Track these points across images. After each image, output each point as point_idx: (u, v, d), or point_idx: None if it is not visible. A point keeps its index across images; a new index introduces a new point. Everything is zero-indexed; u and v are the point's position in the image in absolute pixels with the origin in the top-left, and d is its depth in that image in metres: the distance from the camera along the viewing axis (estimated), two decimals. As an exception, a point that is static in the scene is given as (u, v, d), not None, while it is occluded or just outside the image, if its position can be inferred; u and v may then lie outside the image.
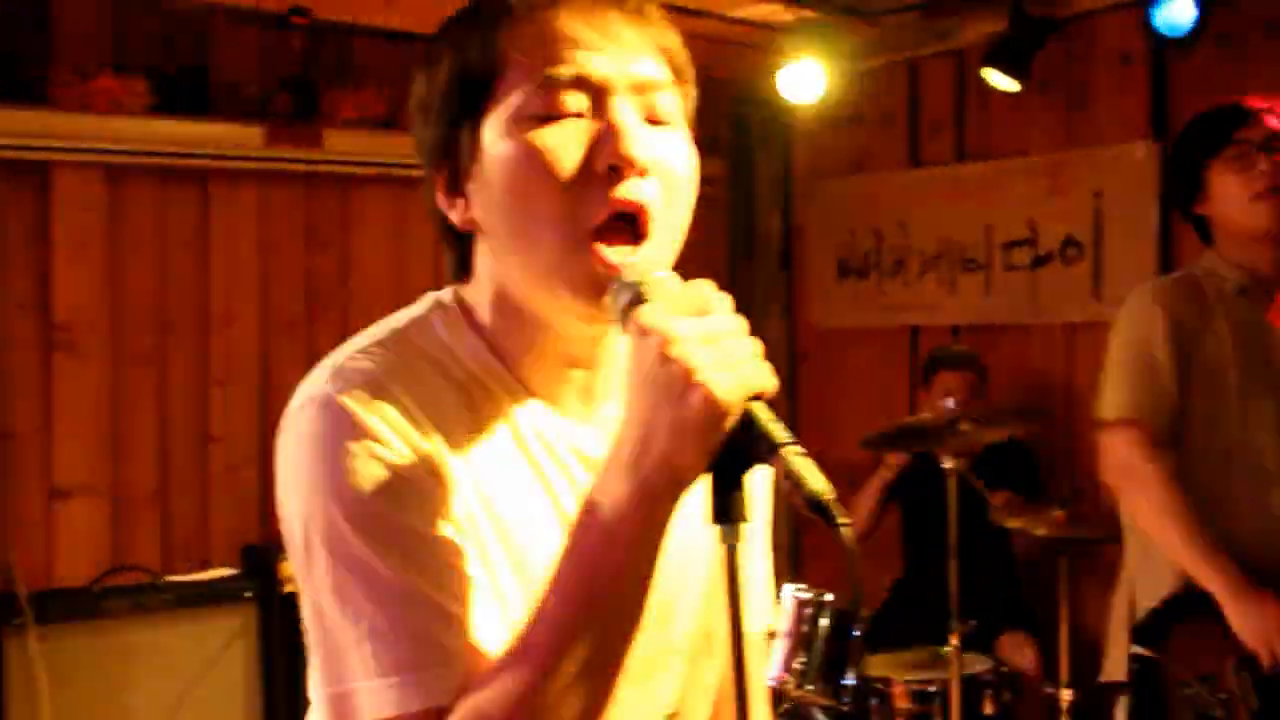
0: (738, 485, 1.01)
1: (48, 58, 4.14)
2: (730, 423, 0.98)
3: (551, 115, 1.12)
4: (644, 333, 1.01)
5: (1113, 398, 2.93)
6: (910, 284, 5.11)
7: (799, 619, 3.78)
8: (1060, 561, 3.77)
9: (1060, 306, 4.65)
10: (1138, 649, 2.91)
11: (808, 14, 4.71)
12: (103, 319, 4.24)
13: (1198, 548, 2.78)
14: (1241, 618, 2.74)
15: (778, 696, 3.72)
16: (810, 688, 3.70)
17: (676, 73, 1.19)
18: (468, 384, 1.19)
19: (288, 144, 4.40)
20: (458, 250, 1.25)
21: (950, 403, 3.82)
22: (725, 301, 1.04)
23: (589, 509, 1.05)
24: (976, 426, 3.72)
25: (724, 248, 5.60)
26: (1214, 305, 2.87)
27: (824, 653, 3.71)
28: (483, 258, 1.22)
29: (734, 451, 0.99)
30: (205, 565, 4.14)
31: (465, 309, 1.24)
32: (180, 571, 4.01)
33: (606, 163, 1.11)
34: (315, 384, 1.15)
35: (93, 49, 4.21)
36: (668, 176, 1.15)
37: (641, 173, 1.12)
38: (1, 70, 4.05)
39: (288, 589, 3.46)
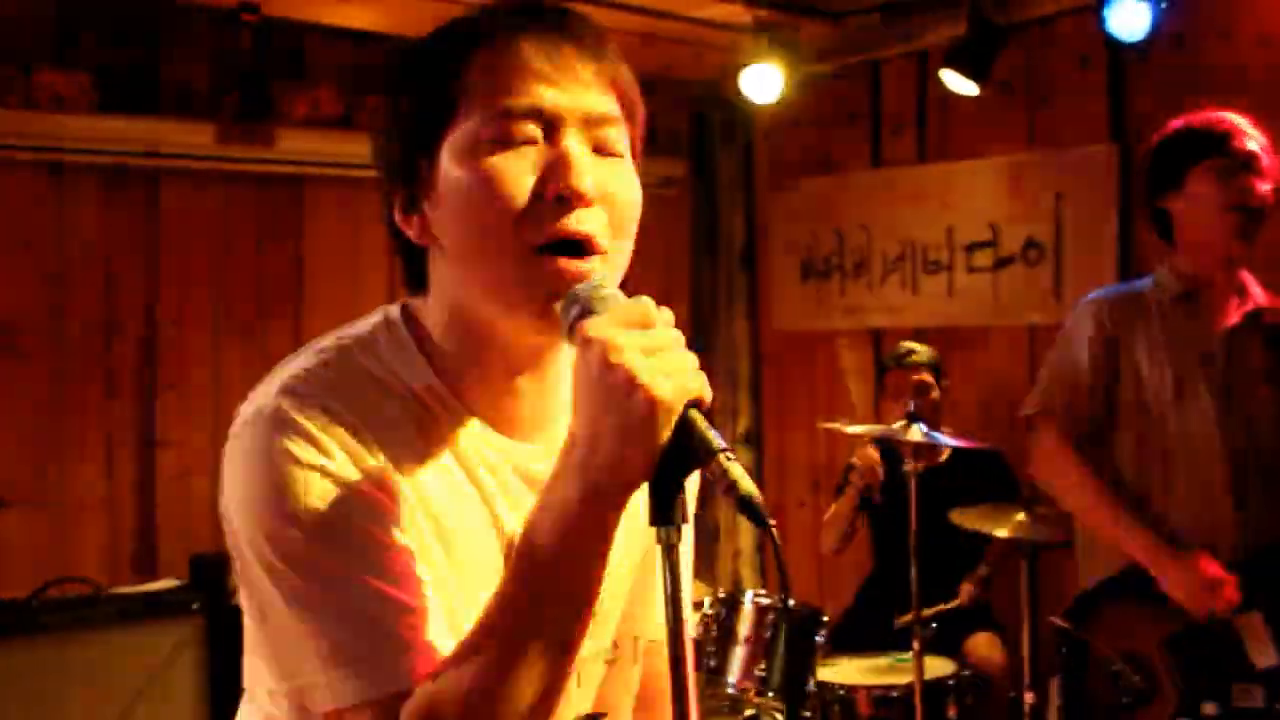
0: (677, 489, 1.06)
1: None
2: (670, 426, 1.04)
3: (505, 142, 1.18)
4: (589, 342, 1.06)
5: (1033, 396, 3.26)
6: (873, 286, 5.08)
7: (759, 625, 3.74)
8: (1022, 563, 3.76)
9: (1022, 308, 4.63)
10: (1062, 623, 3.12)
11: (769, 14, 4.67)
12: (45, 320, 4.14)
13: (1121, 520, 3.05)
14: (1173, 581, 2.98)
15: (738, 704, 3.68)
16: (771, 695, 3.67)
17: (627, 107, 1.25)
18: (411, 405, 1.23)
19: (239, 143, 4.31)
20: (411, 263, 1.29)
21: (911, 405, 3.78)
22: (667, 316, 1.10)
23: (540, 508, 1.11)
24: (927, 437, 3.70)
25: (686, 248, 5.55)
26: (1152, 316, 3.11)
27: (785, 659, 3.67)
28: (437, 271, 1.26)
29: (673, 456, 1.04)
30: (152, 576, 4.06)
31: (413, 324, 1.28)
32: (127, 583, 3.93)
33: (555, 192, 1.17)
34: (260, 400, 1.19)
35: (37, 43, 4.11)
36: (613, 207, 1.20)
37: (588, 204, 1.18)
38: (-59, 65, 3.95)
39: (235, 600, 3.38)
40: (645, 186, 1.25)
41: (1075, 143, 4.48)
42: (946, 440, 3.80)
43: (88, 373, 4.22)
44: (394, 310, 1.30)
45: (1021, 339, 4.66)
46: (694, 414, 1.05)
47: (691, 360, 1.07)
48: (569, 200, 1.17)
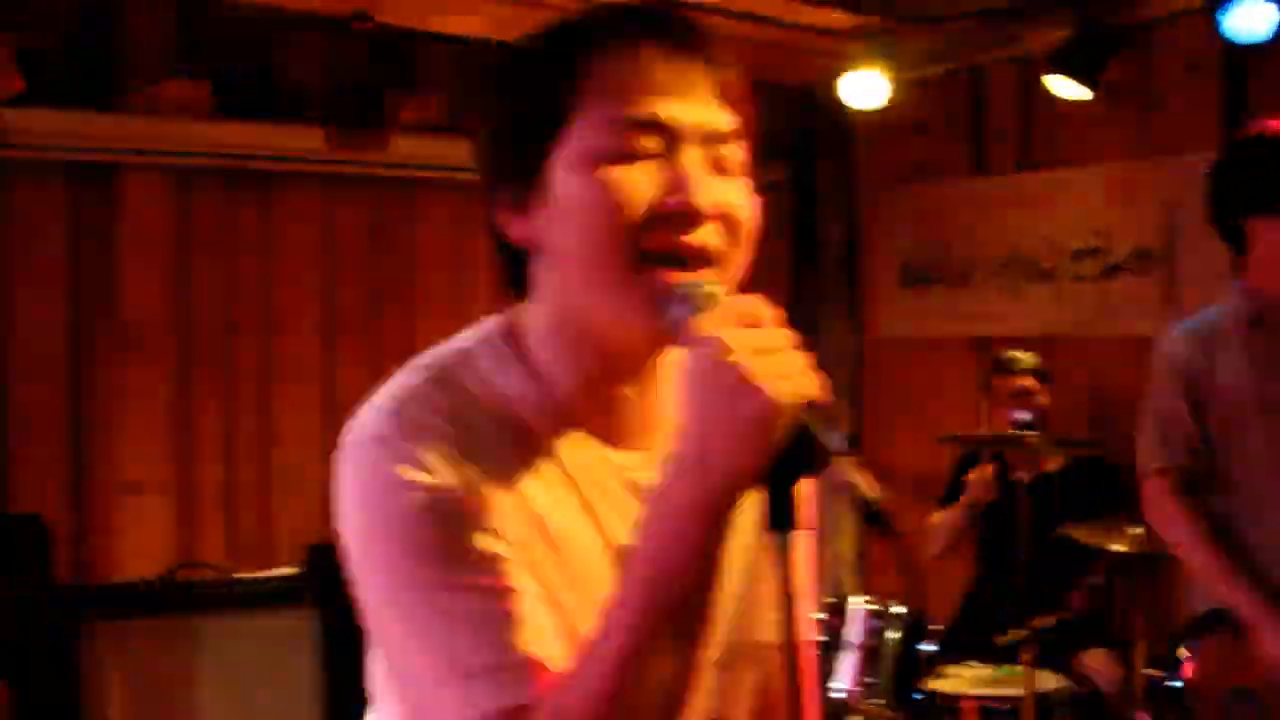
0: (790, 493, 1.04)
1: (117, 63, 4.20)
2: (784, 427, 1.02)
3: (625, 155, 1.16)
4: (700, 341, 1.06)
5: (1143, 448, 3.07)
6: (976, 293, 5.06)
7: (867, 632, 3.74)
8: (1137, 578, 3.70)
9: (1131, 317, 4.57)
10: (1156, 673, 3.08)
11: (871, 20, 4.68)
12: (170, 318, 4.30)
13: (1226, 576, 2.90)
14: (1270, 644, 2.83)
15: (844, 710, 3.68)
16: (878, 702, 3.66)
17: (742, 121, 1.23)
18: (513, 419, 1.22)
19: (351, 148, 4.42)
20: (512, 266, 1.28)
21: (1024, 415, 3.75)
22: (778, 317, 1.09)
23: (651, 511, 1.10)
24: (1044, 444, 3.67)
25: (785, 255, 5.57)
26: (1230, 340, 2.95)
27: (892, 666, 3.66)
28: (541, 275, 1.25)
29: (787, 460, 1.02)
30: (270, 563, 4.18)
31: (513, 336, 1.27)
32: (245, 569, 4.06)
33: (673, 208, 1.16)
34: (366, 420, 1.20)
35: (160, 54, 4.26)
36: (731, 224, 1.19)
37: (705, 221, 1.17)
38: (72, 76, 4.10)
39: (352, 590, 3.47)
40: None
41: (1187, 150, 4.40)
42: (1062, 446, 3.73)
43: (210, 368, 4.37)
44: (494, 322, 1.29)
45: (1130, 348, 4.60)
46: (809, 416, 1.02)
47: (804, 361, 1.05)
48: (686, 217, 1.16)
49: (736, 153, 1.21)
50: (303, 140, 4.38)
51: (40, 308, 4.13)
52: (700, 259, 1.17)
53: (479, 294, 4.50)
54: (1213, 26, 4.03)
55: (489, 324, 1.29)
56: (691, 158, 1.17)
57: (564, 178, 1.18)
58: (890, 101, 4.81)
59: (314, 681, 3.77)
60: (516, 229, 1.23)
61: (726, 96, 1.21)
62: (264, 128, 4.34)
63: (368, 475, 1.17)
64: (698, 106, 1.18)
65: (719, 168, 1.19)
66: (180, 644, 3.64)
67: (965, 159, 5.17)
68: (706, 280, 1.14)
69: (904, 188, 5.36)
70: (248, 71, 4.37)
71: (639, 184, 1.16)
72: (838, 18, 4.62)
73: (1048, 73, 4.40)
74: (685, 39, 1.20)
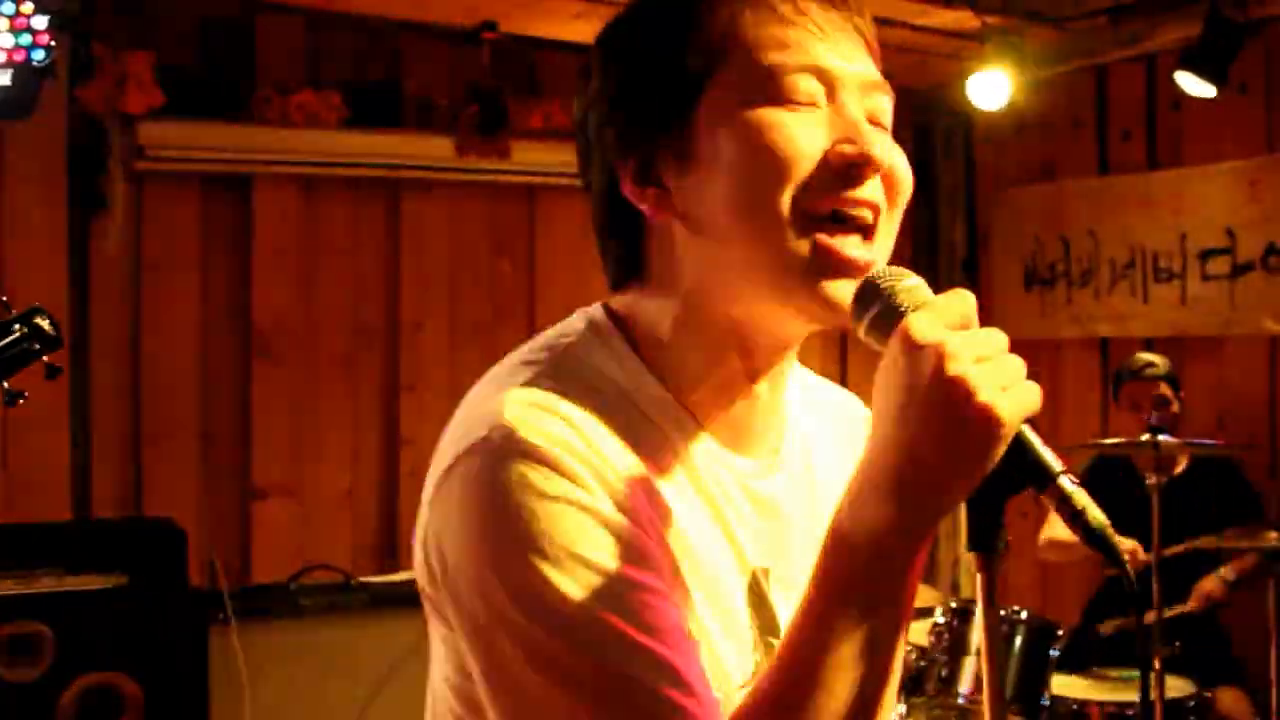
0: (1000, 512, 0.96)
1: (250, 75, 4.33)
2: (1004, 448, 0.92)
3: (785, 100, 1.05)
4: (916, 346, 0.92)
5: None
6: (1100, 294, 4.98)
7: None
8: (1270, 585, 3.61)
9: (1261, 317, 4.47)
10: None
11: (995, 20, 4.64)
12: (298, 325, 4.41)
13: None
14: None
15: (968, 715, 3.65)
16: (1006, 707, 3.63)
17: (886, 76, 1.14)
18: (635, 417, 1.09)
19: (476, 155, 4.50)
20: (627, 249, 1.16)
21: (1152, 418, 3.69)
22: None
23: (842, 535, 0.98)
24: (1174, 449, 3.61)
25: (908, 255, 5.54)
26: None
27: (1018, 671, 3.63)
28: (672, 254, 1.12)
29: (1003, 477, 0.93)
30: (394, 567, 4.25)
31: (624, 326, 1.14)
32: (369, 572, 4.12)
33: (846, 159, 1.05)
34: (479, 428, 1.03)
35: (292, 67, 4.39)
36: (894, 181, 1.09)
37: (878, 172, 1.07)
38: (208, 88, 4.25)
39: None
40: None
41: (1318, 145, 4.32)
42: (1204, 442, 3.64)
43: (336, 374, 4.47)
44: (596, 312, 1.16)
45: (1261, 349, 4.50)
46: (1028, 431, 0.93)
47: (1022, 367, 0.93)
48: (860, 168, 1.05)
49: (889, 106, 1.11)
50: (429, 149, 4.48)
51: (174, 315, 4.25)
52: (865, 222, 1.06)
53: (596, 296, 4.54)
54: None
55: (590, 313, 1.16)
56: (855, 105, 1.07)
57: (714, 133, 1.06)
58: (1013, 101, 4.77)
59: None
60: (647, 200, 1.10)
61: (874, 49, 1.12)
62: (391, 137, 4.45)
63: (491, 485, 1.00)
64: (852, 52, 1.09)
65: (876, 120, 1.09)
66: (309, 646, 3.70)
67: (1089, 158, 5.09)
68: (896, 269, 1.02)
69: (1027, 188, 5.30)
70: (376, 82, 4.48)
71: (806, 131, 1.05)
72: (964, 18, 4.58)
73: (1175, 70, 4.33)
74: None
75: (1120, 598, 4.11)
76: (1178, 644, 3.61)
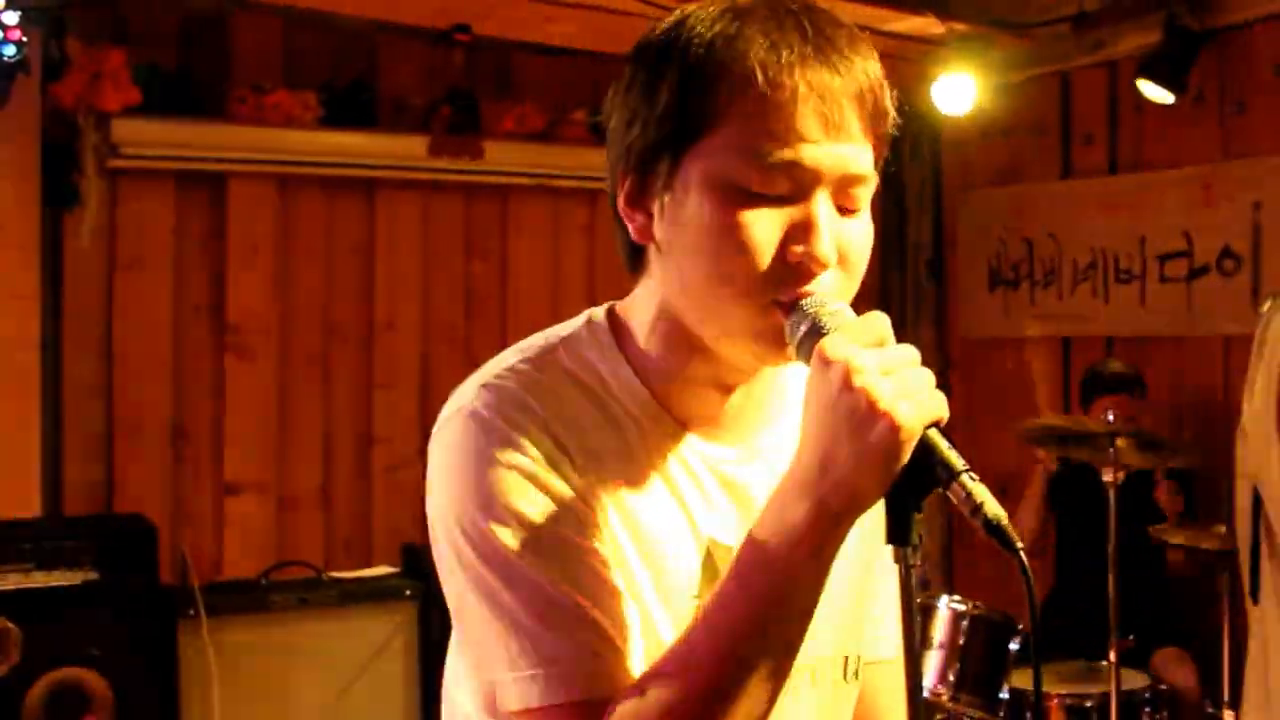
0: (915, 509, 1.05)
1: (226, 75, 4.36)
2: (910, 450, 1.02)
3: (758, 194, 1.13)
4: (827, 363, 1.04)
5: None
6: (1063, 294, 5.07)
7: (953, 631, 3.78)
8: (1222, 579, 3.71)
9: (1217, 319, 4.57)
10: None
11: (961, 27, 4.71)
12: (272, 322, 4.43)
13: None
14: None
15: (932, 708, 3.72)
16: (964, 699, 3.70)
17: (880, 145, 1.19)
18: (611, 407, 1.22)
19: (449, 155, 4.54)
20: (628, 246, 1.25)
21: (1110, 417, 3.77)
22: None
23: (763, 526, 1.09)
24: (1134, 448, 3.69)
25: (875, 256, 5.58)
26: None
27: (978, 665, 3.70)
28: (653, 269, 1.23)
29: (912, 477, 1.03)
30: (366, 563, 4.29)
31: (617, 328, 1.26)
32: (342, 568, 4.16)
33: (799, 257, 1.13)
34: (464, 396, 1.20)
35: (267, 66, 4.41)
36: (849, 264, 1.17)
37: (826, 269, 1.14)
38: (184, 87, 4.26)
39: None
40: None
41: (1273, 151, 4.39)
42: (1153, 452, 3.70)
43: (309, 372, 4.50)
44: (599, 312, 1.29)
45: (1216, 349, 4.60)
46: (934, 434, 1.03)
47: (930, 378, 1.04)
48: (810, 266, 1.13)
49: (867, 192, 1.18)
50: (403, 149, 4.52)
51: (148, 312, 4.27)
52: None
53: (569, 297, 4.60)
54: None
55: (592, 312, 1.29)
56: (822, 205, 1.14)
57: (694, 193, 1.15)
58: (978, 105, 4.84)
59: (409, 679, 3.87)
60: (638, 221, 1.20)
61: (873, 131, 1.17)
62: (365, 137, 4.48)
63: (461, 450, 1.16)
64: (840, 149, 1.14)
65: (847, 206, 1.16)
66: (279, 642, 3.73)
67: (1052, 162, 5.17)
68: (830, 299, 1.13)
69: (992, 191, 5.38)
70: (351, 83, 4.51)
71: (769, 230, 1.13)
72: (930, 24, 4.65)
73: (1136, 77, 4.41)
74: (843, 68, 1.13)
75: (1076, 593, 4.20)
76: (1132, 637, 3.69)
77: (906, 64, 5.01)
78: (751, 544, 1.09)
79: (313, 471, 4.49)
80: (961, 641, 3.76)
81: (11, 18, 3.48)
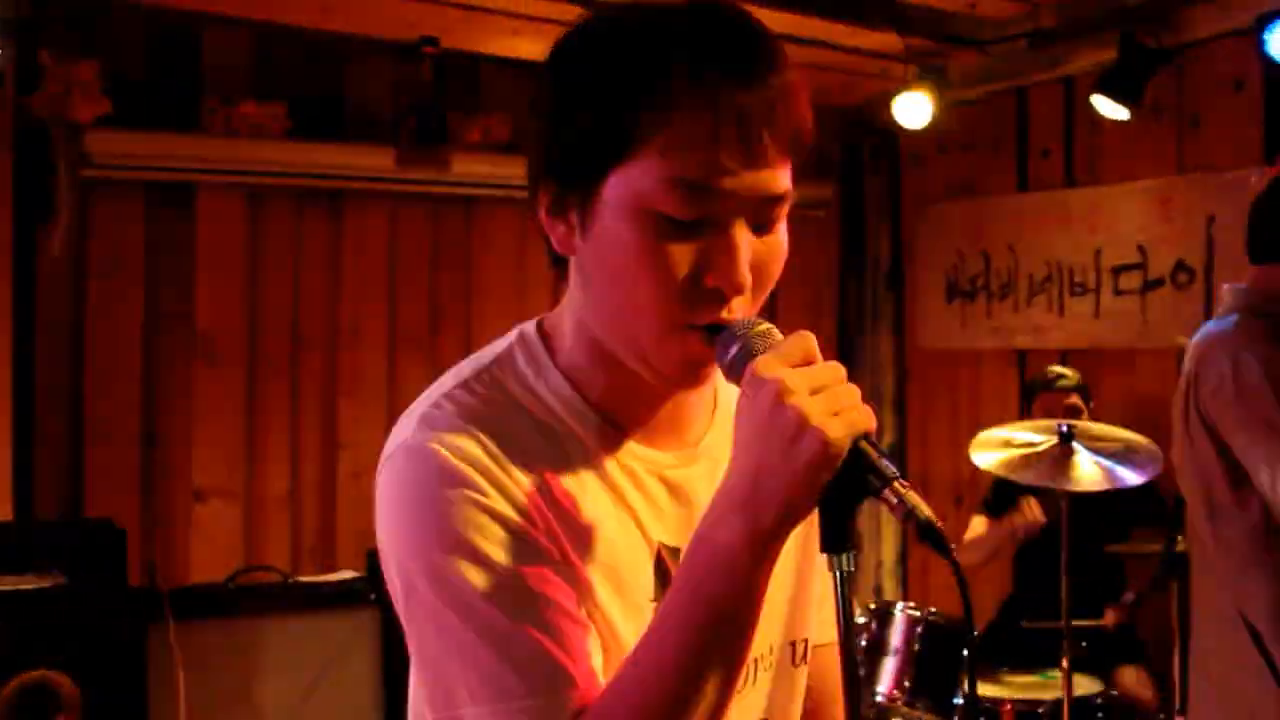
0: (849, 516, 1.08)
1: (197, 86, 4.41)
2: (839, 463, 1.05)
3: (675, 220, 1.13)
4: (759, 383, 1.07)
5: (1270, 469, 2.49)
6: (1019, 307, 5.15)
7: (908, 637, 3.82)
8: (1173, 585, 3.74)
9: (1170, 331, 4.64)
10: None
11: (920, 43, 4.80)
12: (241, 331, 4.49)
13: None
14: None
15: (885, 713, 3.77)
16: (918, 705, 3.75)
17: (798, 159, 1.18)
18: (550, 421, 1.23)
19: (417, 167, 4.60)
20: (552, 252, 1.25)
21: (1062, 426, 3.81)
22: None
23: (701, 543, 1.11)
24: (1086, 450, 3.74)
25: (834, 268, 5.71)
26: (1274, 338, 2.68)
27: (932, 671, 3.75)
28: (572, 280, 1.24)
29: (845, 485, 1.06)
30: (332, 568, 4.34)
31: (549, 339, 1.27)
32: (308, 572, 4.22)
33: (715, 283, 1.14)
34: (405, 430, 1.20)
35: (237, 78, 4.47)
36: (761, 282, 1.19)
37: (741, 294, 1.16)
38: (154, 97, 4.31)
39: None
40: (795, 208, 1.20)
41: (1228, 166, 4.46)
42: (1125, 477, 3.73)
43: (277, 379, 4.56)
44: (529, 327, 1.29)
45: (1170, 361, 4.67)
46: (864, 445, 1.06)
47: (856, 393, 1.07)
48: (725, 292, 1.15)
49: (784, 210, 1.19)
50: (371, 160, 4.57)
51: (117, 320, 4.32)
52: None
53: (534, 307, 4.62)
54: (1252, 47, 4.09)
55: (527, 326, 1.30)
56: (739, 230, 1.15)
57: (612, 214, 1.15)
58: (937, 120, 4.93)
59: (374, 682, 3.92)
60: (560, 231, 1.20)
61: (791, 149, 1.16)
62: (334, 148, 4.53)
63: (406, 486, 1.17)
64: (759, 173, 1.14)
65: (764, 224, 1.17)
66: (245, 645, 3.76)
67: (1009, 176, 5.25)
68: (757, 321, 1.15)
69: (949, 204, 5.46)
70: (319, 95, 4.58)
71: (683, 256, 1.14)
72: (889, 40, 4.73)
73: (1092, 93, 4.50)
74: (762, 87, 1.13)
75: (1031, 601, 4.27)
76: (1084, 644, 3.74)
77: (868, 79, 5.11)
78: (688, 560, 1.12)
79: (280, 477, 4.54)
80: (917, 648, 3.81)
81: (-17, 31, 3.52)
